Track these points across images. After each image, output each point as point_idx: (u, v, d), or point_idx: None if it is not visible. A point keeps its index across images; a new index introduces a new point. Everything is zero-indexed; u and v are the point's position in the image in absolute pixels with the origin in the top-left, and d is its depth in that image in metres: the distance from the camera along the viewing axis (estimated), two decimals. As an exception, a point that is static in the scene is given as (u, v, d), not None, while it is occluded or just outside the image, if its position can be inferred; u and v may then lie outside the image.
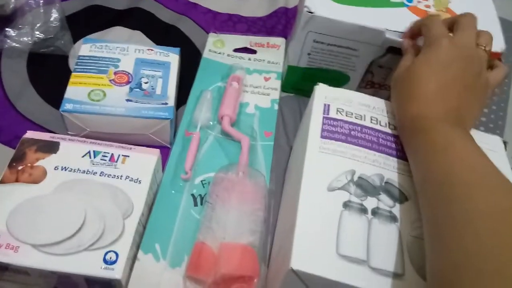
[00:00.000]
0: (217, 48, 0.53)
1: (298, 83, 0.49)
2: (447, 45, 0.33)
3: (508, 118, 0.52)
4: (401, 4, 0.43)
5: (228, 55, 0.52)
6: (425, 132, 0.31)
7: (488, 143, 0.35)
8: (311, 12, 0.41)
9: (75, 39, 0.51)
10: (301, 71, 0.48)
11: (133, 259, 0.35)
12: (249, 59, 0.52)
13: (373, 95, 0.38)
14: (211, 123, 0.45)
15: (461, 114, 0.32)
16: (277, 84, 0.50)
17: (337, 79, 0.47)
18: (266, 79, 0.50)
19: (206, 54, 0.52)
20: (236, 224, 0.35)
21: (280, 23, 0.57)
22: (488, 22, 0.41)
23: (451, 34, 0.35)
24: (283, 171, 0.44)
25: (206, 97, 0.46)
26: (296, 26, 0.44)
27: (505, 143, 0.36)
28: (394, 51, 0.42)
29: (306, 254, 0.27)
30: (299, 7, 0.46)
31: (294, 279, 0.27)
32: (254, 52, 0.53)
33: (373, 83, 0.47)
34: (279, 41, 0.54)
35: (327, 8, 0.41)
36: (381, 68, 0.45)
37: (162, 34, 0.54)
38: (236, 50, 0.53)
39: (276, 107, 0.48)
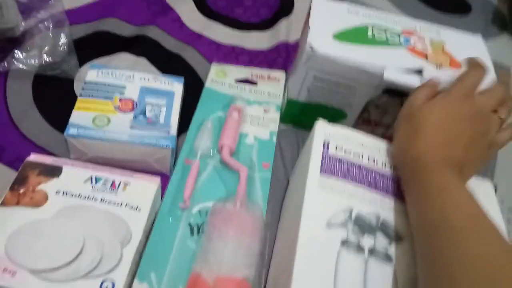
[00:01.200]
0: (219, 78, 0.54)
1: (297, 117, 0.51)
2: (467, 102, 0.35)
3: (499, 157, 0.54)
4: (400, 44, 0.45)
5: (230, 85, 0.54)
6: (424, 173, 0.32)
7: (479, 187, 0.36)
8: (313, 50, 0.42)
9: (81, 63, 0.52)
10: (300, 105, 0.49)
11: (129, 287, 0.35)
12: (250, 91, 0.54)
13: (370, 132, 0.39)
14: (211, 152, 0.46)
15: (462, 165, 0.33)
16: (276, 116, 0.51)
17: (335, 115, 0.48)
18: (266, 111, 0.52)
19: (208, 83, 0.53)
20: (232, 257, 0.35)
21: (280, 57, 0.59)
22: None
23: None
24: (280, 203, 0.44)
25: (207, 127, 0.47)
26: (297, 61, 0.46)
27: (495, 186, 0.37)
28: (391, 92, 0.43)
29: None
30: (300, 43, 0.48)
31: None
32: (255, 83, 0.55)
33: (370, 121, 0.48)
34: (280, 74, 0.56)
35: (328, 46, 0.43)
36: (377, 107, 0.46)
37: (166, 62, 0.55)
38: (237, 81, 0.55)
39: (274, 139, 0.49)
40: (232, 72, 0.55)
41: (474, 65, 0.39)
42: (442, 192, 0.30)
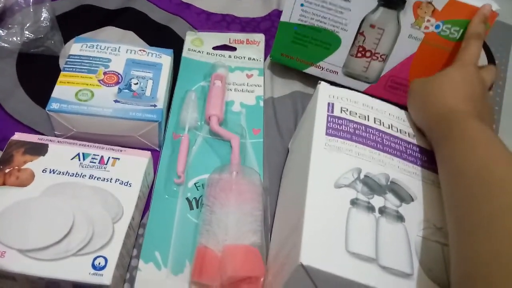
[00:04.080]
0: (196, 46, 0.52)
1: (289, 48, 0.48)
2: (476, 69, 0.37)
3: (502, 121, 0.52)
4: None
5: (208, 53, 0.52)
6: (460, 124, 0.31)
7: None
8: None
9: (66, 39, 0.50)
10: (292, 30, 0.47)
11: (126, 266, 0.34)
12: (230, 57, 0.52)
13: (366, 67, 0.37)
14: (199, 123, 0.45)
15: (483, 112, 0.34)
16: (260, 80, 0.50)
17: (328, 43, 0.46)
18: (249, 76, 0.50)
19: (185, 53, 0.51)
20: (237, 225, 0.34)
21: (274, 26, 0.57)
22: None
23: None
24: (279, 172, 0.43)
25: (191, 98, 0.45)
26: None
27: None
28: (386, 4, 0.42)
29: (316, 250, 0.27)
30: None
31: (302, 277, 0.26)
32: (234, 49, 0.53)
33: (365, 50, 0.46)
34: (259, 37, 0.54)
35: None
36: (372, 28, 0.44)
37: (154, 35, 0.53)
38: (215, 48, 0.52)
39: (261, 103, 0.47)
40: (208, 39, 0.53)
41: (475, 36, 0.40)
42: (483, 142, 0.29)
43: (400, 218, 0.30)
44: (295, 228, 0.29)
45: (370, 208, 0.30)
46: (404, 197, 0.31)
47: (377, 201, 0.30)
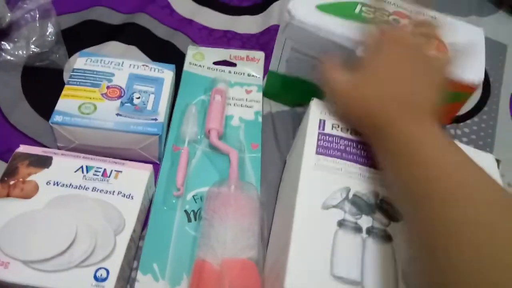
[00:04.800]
0: (197, 61, 0.53)
1: (279, 91, 0.50)
2: (399, 45, 0.34)
3: (497, 135, 0.53)
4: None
5: (209, 67, 0.53)
6: (391, 130, 0.30)
7: (481, 161, 0.35)
8: (290, 15, 0.40)
9: (70, 53, 0.51)
10: (280, 77, 0.48)
11: (126, 279, 0.35)
12: (230, 72, 0.53)
13: None
14: (199, 137, 0.45)
15: (416, 101, 0.31)
16: (259, 96, 0.51)
17: (314, 92, 0.47)
18: (248, 92, 0.51)
19: (186, 67, 0.52)
20: (235, 239, 0.35)
21: (273, 40, 0.58)
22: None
23: None
24: (276, 186, 0.44)
25: (192, 111, 0.46)
26: (279, 31, 0.44)
27: (498, 161, 0.36)
28: None
29: (301, 275, 0.27)
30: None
31: None
32: (234, 65, 0.54)
33: None
34: (259, 54, 0.55)
35: (308, 15, 0.41)
36: None
37: (157, 50, 0.54)
38: (216, 63, 0.54)
39: (260, 119, 0.48)
40: (209, 54, 0.54)
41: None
42: (421, 151, 0.27)
43: (388, 237, 0.30)
44: (283, 249, 0.30)
45: (357, 229, 0.30)
46: (393, 215, 0.31)
47: (365, 221, 0.30)
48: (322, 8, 0.42)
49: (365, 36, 0.37)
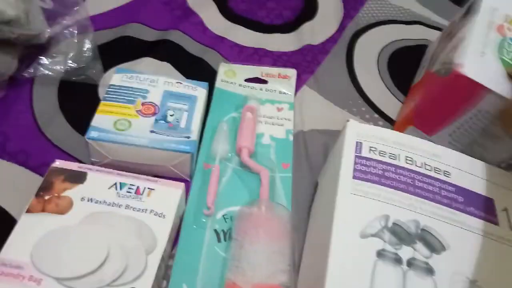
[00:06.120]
0: (229, 78, 0.53)
1: None
2: None
3: None
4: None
5: (240, 84, 0.53)
6: None
7: None
8: None
9: (105, 68, 0.52)
10: None
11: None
12: (261, 89, 0.53)
13: None
14: (229, 155, 0.45)
15: None
16: (290, 114, 0.50)
17: None
18: (279, 110, 0.51)
19: (218, 84, 0.52)
20: (267, 263, 0.34)
21: (305, 60, 0.58)
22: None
23: None
24: (307, 207, 0.43)
25: (223, 129, 0.46)
26: None
27: None
28: None
29: None
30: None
31: None
32: (265, 82, 0.54)
33: None
34: (290, 72, 0.55)
35: None
36: None
37: (189, 66, 0.55)
38: (247, 80, 0.54)
39: (291, 137, 0.48)
40: (241, 71, 0.54)
41: None
42: None
43: (429, 271, 0.28)
44: (318, 277, 0.29)
45: (398, 260, 0.29)
46: (435, 246, 0.30)
47: (406, 252, 0.29)
48: None
49: None
